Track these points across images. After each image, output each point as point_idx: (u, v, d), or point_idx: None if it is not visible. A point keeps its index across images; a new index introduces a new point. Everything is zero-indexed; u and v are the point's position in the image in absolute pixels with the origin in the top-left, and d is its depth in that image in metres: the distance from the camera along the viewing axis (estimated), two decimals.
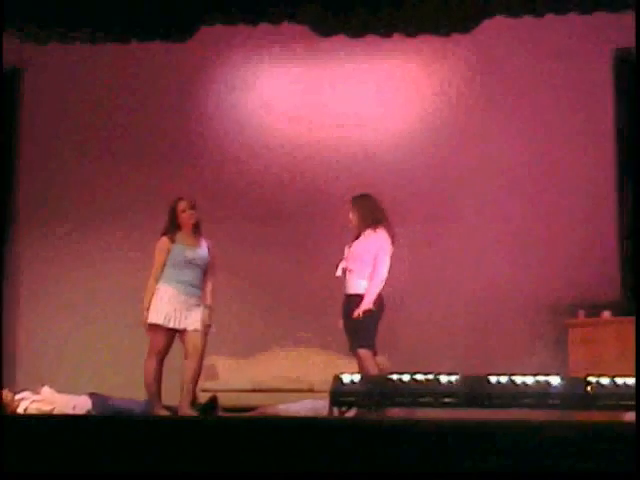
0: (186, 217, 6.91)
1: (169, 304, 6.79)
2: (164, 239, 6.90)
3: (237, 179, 9.38)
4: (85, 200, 9.54)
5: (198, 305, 6.88)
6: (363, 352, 6.77)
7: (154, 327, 6.77)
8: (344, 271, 6.92)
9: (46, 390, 7.32)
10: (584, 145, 9.10)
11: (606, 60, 8.95)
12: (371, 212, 6.95)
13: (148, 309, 6.77)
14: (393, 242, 6.93)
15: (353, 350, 6.85)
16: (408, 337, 9.03)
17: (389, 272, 6.91)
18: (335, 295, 7.13)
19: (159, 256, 6.86)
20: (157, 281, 6.82)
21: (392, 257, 6.94)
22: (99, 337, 9.33)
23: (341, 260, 6.98)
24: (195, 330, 6.82)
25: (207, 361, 8.38)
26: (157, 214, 7.13)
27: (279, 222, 9.36)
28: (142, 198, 9.31)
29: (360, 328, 6.77)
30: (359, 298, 6.80)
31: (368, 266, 6.84)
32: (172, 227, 6.94)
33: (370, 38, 8.28)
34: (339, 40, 8.34)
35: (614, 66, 9.04)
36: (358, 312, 6.75)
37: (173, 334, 6.83)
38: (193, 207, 6.95)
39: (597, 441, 4.18)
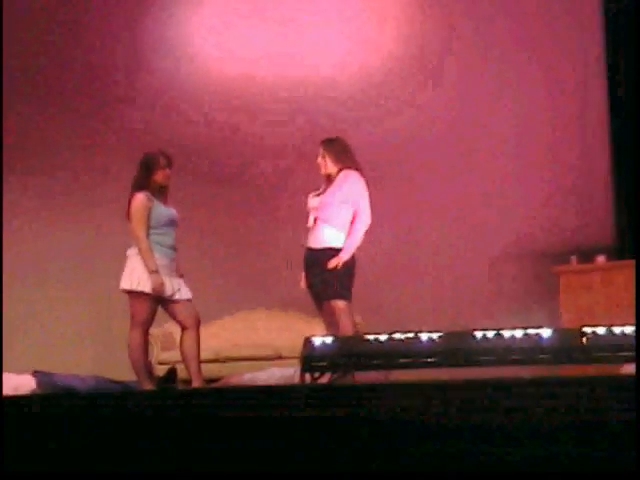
0: (164, 175, 6.87)
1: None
2: (143, 196, 6.80)
3: (179, 124, 9.35)
4: None
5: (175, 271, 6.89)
6: (341, 303, 6.74)
7: (138, 295, 6.71)
8: (315, 221, 6.89)
9: None
10: (574, 82, 9.25)
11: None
12: (345, 155, 6.94)
13: (155, 272, 6.65)
14: (367, 187, 6.93)
15: (326, 301, 6.78)
16: (386, 296, 9.16)
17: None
18: (293, 254, 7.14)
19: (142, 215, 6.73)
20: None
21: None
22: (39, 309, 9.41)
23: (311, 210, 6.95)
24: (189, 299, 6.88)
25: (164, 330, 8.53)
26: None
27: (232, 178, 9.40)
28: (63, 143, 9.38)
29: (337, 279, 6.73)
30: (333, 252, 6.78)
31: (345, 215, 6.87)
32: (147, 183, 6.86)
33: None
34: None
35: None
36: (337, 262, 6.72)
37: (158, 302, 6.80)
38: (171, 165, 6.91)
39: (594, 397, 4.31)
